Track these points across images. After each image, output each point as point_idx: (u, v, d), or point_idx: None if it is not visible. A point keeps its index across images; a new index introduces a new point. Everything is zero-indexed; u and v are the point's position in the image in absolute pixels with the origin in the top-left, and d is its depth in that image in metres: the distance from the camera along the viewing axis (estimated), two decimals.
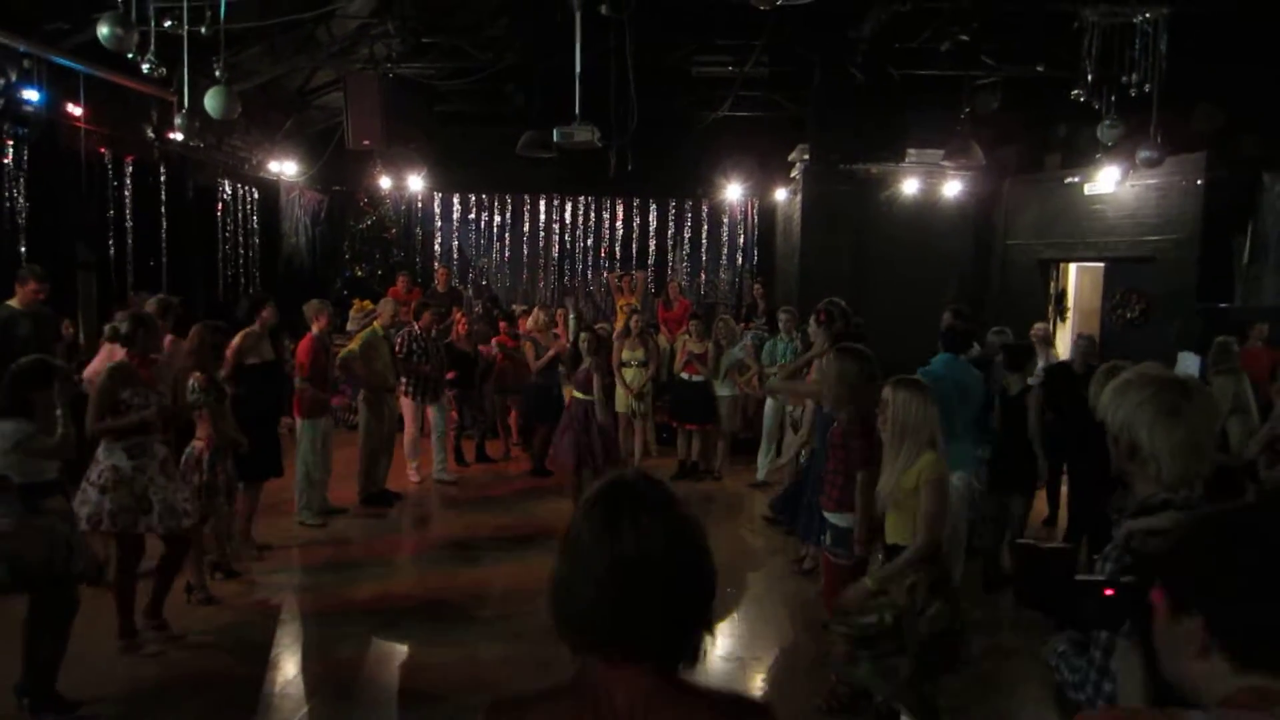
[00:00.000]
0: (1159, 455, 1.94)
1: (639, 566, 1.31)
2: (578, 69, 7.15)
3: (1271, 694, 1.11)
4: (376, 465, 8.19)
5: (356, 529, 7.53)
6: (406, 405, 8.69)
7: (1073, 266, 11.85)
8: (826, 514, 4.64)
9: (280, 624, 5.54)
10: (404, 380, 8.56)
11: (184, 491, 5.02)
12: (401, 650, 5.29)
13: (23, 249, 7.62)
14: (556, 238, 14.77)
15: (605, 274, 14.25)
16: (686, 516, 1.38)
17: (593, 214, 14.74)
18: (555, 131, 7.24)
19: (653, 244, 14.70)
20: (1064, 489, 7.05)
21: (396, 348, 8.37)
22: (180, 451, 5.60)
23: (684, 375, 9.29)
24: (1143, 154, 8.41)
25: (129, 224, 9.20)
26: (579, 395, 7.53)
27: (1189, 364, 7.69)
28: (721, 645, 5.39)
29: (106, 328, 7.03)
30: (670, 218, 14.70)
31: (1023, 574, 1.76)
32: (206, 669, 4.89)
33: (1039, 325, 9.12)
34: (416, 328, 8.61)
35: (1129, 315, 10.38)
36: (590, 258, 14.77)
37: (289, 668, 5.02)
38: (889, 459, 3.87)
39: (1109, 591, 1.57)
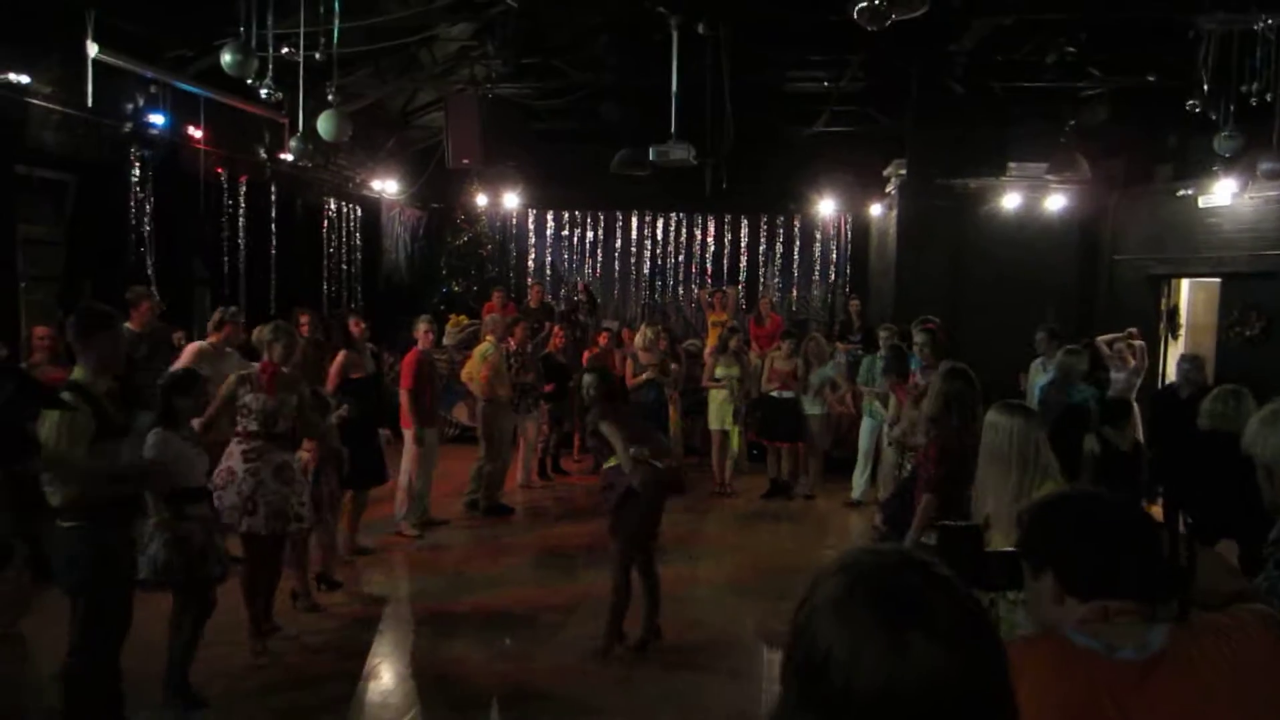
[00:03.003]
0: None
1: (933, 699, 0.91)
2: (674, 87, 7.20)
3: (1109, 610, 1.51)
4: (500, 476, 8.48)
5: (453, 539, 7.67)
6: None
7: (1185, 282, 11.34)
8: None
9: (381, 633, 5.67)
10: None
11: (299, 497, 5.17)
12: (500, 662, 5.33)
13: (150, 265, 8.04)
14: (649, 254, 14.85)
15: (697, 290, 14.26)
16: (990, 623, 1.00)
17: (685, 230, 14.78)
18: (651, 150, 7.30)
19: (744, 260, 14.66)
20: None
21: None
22: None
23: (773, 393, 9.21)
24: (1264, 165, 8.01)
25: (241, 241, 9.63)
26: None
27: None
28: None
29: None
30: (762, 233, 14.64)
31: (943, 547, 2.05)
32: (312, 673, 5.03)
33: (1105, 337, 8.79)
34: (512, 343, 8.77)
35: (1248, 333, 9.88)
36: (682, 274, 14.81)
37: (390, 676, 5.13)
38: (994, 484, 3.44)
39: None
